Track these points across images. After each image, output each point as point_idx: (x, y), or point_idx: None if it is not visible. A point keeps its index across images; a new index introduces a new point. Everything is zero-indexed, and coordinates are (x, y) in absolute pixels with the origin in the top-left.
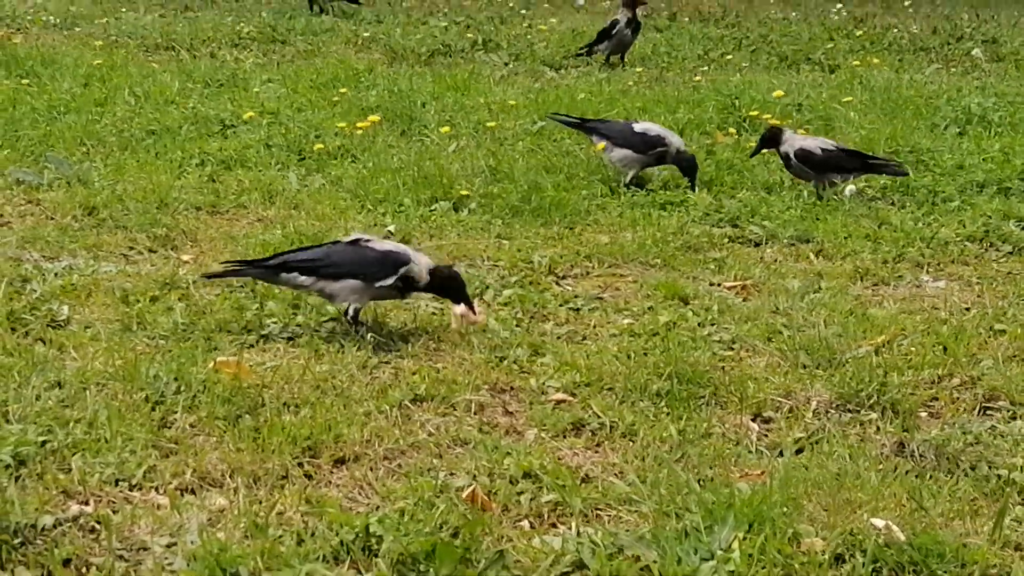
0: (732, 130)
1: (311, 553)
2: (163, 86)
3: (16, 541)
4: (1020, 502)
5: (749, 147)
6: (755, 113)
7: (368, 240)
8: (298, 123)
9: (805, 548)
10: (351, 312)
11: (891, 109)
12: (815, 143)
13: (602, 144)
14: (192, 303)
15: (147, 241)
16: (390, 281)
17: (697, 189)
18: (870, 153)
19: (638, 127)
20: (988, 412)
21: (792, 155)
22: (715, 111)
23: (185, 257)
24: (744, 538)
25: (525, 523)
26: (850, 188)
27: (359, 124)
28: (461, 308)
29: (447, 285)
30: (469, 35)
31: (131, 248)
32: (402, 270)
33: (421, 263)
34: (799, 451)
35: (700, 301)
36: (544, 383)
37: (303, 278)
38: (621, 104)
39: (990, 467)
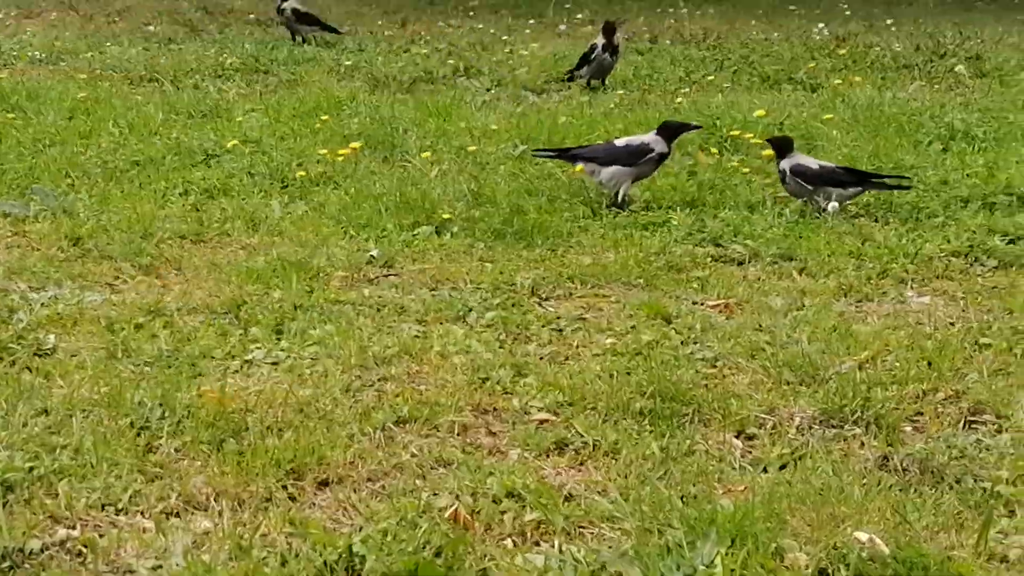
0: (713, 150)
1: (295, 574)
2: (147, 117)
3: (5, 565)
4: (1006, 514)
5: (731, 167)
6: (736, 133)
7: None
8: (281, 151)
9: (788, 563)
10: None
11: (874, 126)
12: (813, 160)
13: (580, 166)
14: (176, 330)
15: (132, 270)
16: None
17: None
18: (872, 173)
19: (620, 142)
20: (973, 426)
21: (788, 170)
22: (696, 133)
23: (170, 286)
24: (727, 553)
25: (508, 542)
26: (832, 205)
27: (340, 151)
28: None
29: None
30: (451, 61)
31: (116, 277)
32: None
33: None
34: (783, 467)
35: (683, 320)
36: (527, 403)
37: None
38: (603, 126)
39: (975, 480)
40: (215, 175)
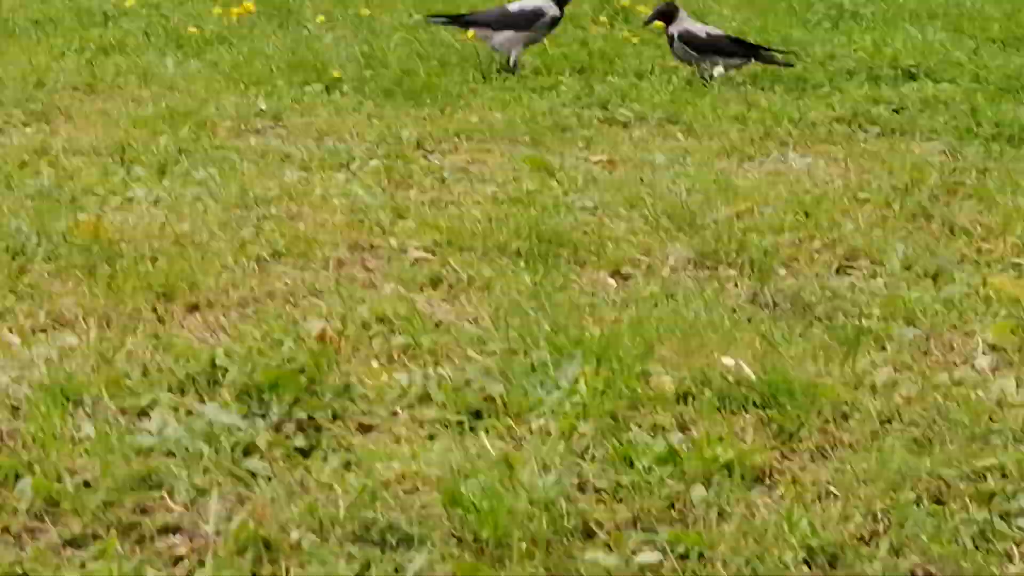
0: (603, 19)
1: (156, 384)
2: None
3: None
4: (877, 349)
5: (622, 38)
6: (627, 3)
7: None
8: (179, 14)
9: (653, 385)
10: None
11: (763, 5)
12: (702, 27)
13: (472, 32)
14: (60, 168)
15: (22, 116)
16: None
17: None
18: (761, 45)
19: (513, 7)
20: (848, 271)
21: (677, 36)
22: (589, 4)
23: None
24: (593, 374)
25: (375, 363)
26: (718, 70)
27: (233, 10)
28: None
29: None
30: None
31: (6, 122)
32: None
33: None
34: (655, 304)
35: (566, 173)
36: (404, 242)
37: None
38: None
39: (846, 317)
40: (112, 34)
